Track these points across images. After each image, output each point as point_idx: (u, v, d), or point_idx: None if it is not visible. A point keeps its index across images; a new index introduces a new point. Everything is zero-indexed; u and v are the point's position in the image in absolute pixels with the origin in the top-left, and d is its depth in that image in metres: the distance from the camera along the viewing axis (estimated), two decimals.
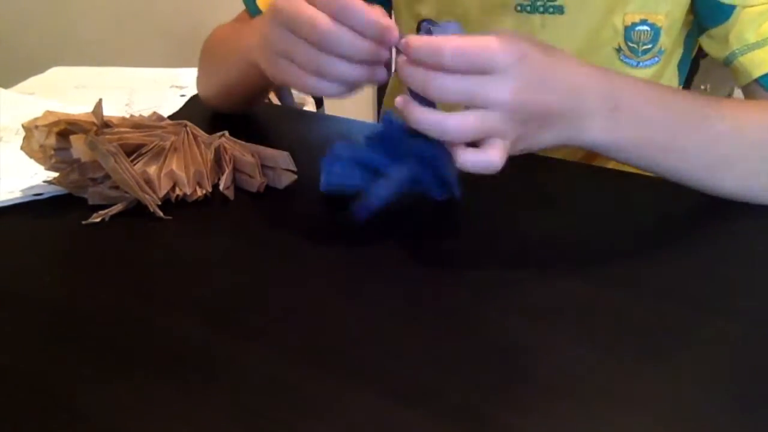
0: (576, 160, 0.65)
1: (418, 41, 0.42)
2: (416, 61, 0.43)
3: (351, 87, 0.46)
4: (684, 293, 0.43)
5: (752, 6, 0.56)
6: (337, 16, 0.43)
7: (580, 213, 0.54)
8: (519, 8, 0.65)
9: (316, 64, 0.45)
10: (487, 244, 0.49)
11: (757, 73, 0.57)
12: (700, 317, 0.41)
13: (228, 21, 0.75)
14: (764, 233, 0.51)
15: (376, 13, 0.43)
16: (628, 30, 0.63)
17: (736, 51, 0.58)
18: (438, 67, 0.42)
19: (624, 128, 0.48)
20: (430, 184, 0.50)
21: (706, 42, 0.63)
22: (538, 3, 0.64)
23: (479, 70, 0.42)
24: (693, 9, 0.63)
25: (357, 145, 0.52)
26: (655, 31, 0.63)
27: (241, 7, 0.74)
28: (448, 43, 0.41)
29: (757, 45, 0.56)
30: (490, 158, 0.43)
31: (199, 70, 0.72)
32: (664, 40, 0.64)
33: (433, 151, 0.47)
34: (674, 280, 0.45)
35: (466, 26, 0.47)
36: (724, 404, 0.35)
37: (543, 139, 0.46)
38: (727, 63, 0.60)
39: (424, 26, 0.46)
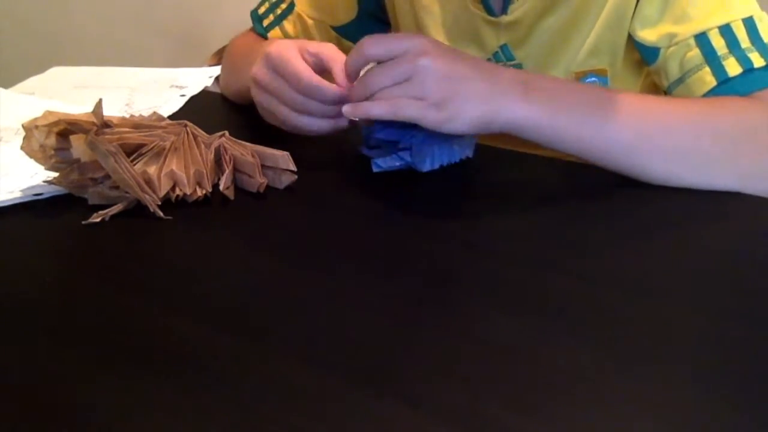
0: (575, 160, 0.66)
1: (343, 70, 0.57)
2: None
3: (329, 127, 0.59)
4: (685, 294, 0.43)
5: (669, 47, 0.64)
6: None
7: (581, 212, 0.54)
8: None
9: (300, 104, 0.58)
10: (487, 245, 0.49)
11: None
12: (701, 318, 0.41)
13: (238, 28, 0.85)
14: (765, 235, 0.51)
15: (318, 79, 0.57)
16: (581, 81, 0.72)
17: (670, 86, 0.65)
18: (366, 58, 0.55)
19: (538, 103, 0.54)
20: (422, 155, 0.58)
21: (654, 77, 0.70)
22: (499, 64, 0.73)
23: (398, 53, 0.53)
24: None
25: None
26: (603, 81, 0.71)
27: (244, 10, 0.75)
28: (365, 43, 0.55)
29: (681, 80, 0.64)
30: (411, 109, 0.52)
31: (221, 71, 0.83)
32: (614, 85, 0.71)
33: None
34: (675, 280, 0.45)
35: None
36: (724, 404, 0.35)
37: (466, 110, 0.53)
38: (669, 93, 0.67)
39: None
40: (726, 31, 0.61)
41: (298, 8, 0.80)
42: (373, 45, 0.54)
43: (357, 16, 0.80)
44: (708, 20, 0.61)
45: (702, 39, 0.62)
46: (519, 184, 0.58)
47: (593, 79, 0.71)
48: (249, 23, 0.83)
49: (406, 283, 0.45)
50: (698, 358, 0.38)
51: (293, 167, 0.55)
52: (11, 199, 0.54)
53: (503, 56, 0.73)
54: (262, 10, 0.82)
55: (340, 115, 0.56)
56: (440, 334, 0.40)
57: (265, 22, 0.81)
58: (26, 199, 0.55)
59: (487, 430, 0.33)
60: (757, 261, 0.47)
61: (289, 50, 0.58)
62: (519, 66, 0.73)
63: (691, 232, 0.51)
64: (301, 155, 0.57)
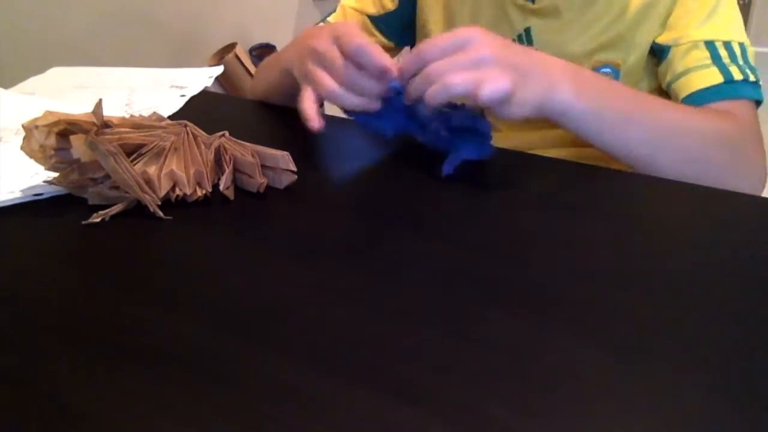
0: (574, 160, 0.66)
1: (407, 58, 0.56)
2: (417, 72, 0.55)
3: (364, 104, 0.58)
4: (686, 294, 0.43)
5: (678, 45, 0.73)
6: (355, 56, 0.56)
7: (580, 212, 0.54)
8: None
9: (347, 77, 0.56)
10: (487, 244, 0.49)
11: (682, 95, 0.73)
12: (702, 317, 0.41)
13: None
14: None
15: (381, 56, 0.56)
16: (596, 71, 0.79)
17: (670, 80, 0.74)
18: (431, 60, 0.55)
19: (587, 91, 0.60)
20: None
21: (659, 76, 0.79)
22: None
23: (459, 46, 0.55)
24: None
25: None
26: (615, 73, 0.79)
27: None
28: (427, 43, 0.56)
29: (682, 74, 0.73)
30: (499, 83, 0.53)
31: (252, 81, 0.88)
32: (624, 79, 0.78)
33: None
34: (675, 280, 0.45)
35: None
36: (724, 404, 0.35)
37: (530, 93, 0.57)
38: (666, 89, 0.76)
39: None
40: (728, 46, 0.72)
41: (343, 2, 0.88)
42: (431, 46, 0.55)
43: (399, 5, 0.87)
44: (713, 34, 0.72)
45: (709, 45, 0.72)
46: (518, 184, 0.58)
47: (607, 69, 0.78)
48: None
49: (406, 283, 0.45)
50: (699, 358, 0.38)
51: (293, 167, 0.55)
52: (11, 199, 0.55)
53: (525, 40, 0.79)
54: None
55: (375, 95, 0.58)
56: (440, 334, 0.40)
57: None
58: (26, 199, 0.55)
59: (487, 430, 0.33)
60: (757, 261, 0.47)
61: (355, 26, 0.60)
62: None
63: (692, 232, 0.51)
64: (301, 155, 0.57)
